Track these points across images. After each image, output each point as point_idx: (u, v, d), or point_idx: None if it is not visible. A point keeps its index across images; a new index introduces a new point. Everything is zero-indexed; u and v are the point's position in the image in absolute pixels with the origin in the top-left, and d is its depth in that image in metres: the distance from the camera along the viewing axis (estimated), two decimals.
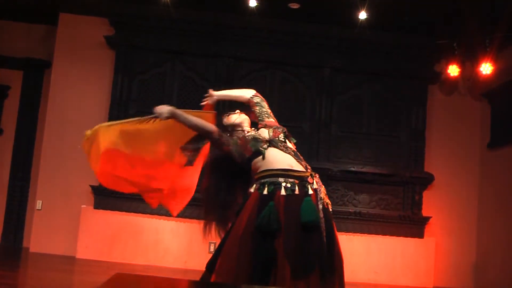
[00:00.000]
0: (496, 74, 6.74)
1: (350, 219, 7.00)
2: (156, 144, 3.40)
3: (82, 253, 6.72)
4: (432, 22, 6.70)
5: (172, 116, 3.24)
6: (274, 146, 2.97)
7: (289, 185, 2.78)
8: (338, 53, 7.24)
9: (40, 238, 6.92)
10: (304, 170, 2.89)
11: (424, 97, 7.27)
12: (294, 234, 2.66)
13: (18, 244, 7.40)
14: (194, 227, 6.71)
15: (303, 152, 7.42)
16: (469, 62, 7.09)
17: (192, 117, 3.23)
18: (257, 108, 3.30)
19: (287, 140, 3.05)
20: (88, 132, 3.71)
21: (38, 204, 7.00)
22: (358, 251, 6.92)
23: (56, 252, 6.85)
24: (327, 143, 7.13)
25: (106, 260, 6.63)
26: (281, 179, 2.80)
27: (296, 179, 2.81)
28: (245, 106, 3.47)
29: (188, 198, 3.54)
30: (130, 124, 3.56)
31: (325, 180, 7.03)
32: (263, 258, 2.62)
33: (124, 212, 6.84)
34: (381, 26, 6.79)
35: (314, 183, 2.85)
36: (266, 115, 3.25)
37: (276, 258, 2.61)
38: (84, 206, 6.89)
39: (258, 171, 2.92)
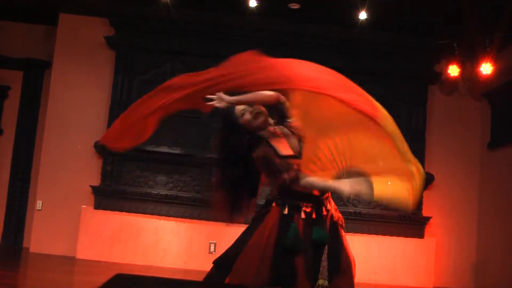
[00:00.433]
0: (496, 74, 6.73)
1: (350, 219, 6.99)
2: None
3: (82, 254, 6.72)
4: (432, 22, 6.70)
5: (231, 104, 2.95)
6: None
7: (308, 209, 2.81)
8: (338, 53, 7.24)
9: (40, 239, 6.92)
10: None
11: (424, 97, 7.27)
12: (311, 253, 2.76)
13: (18, 244, 7.40)
14: (194, 227, 6.72)
15: None
16: (469, 62, 7.09)
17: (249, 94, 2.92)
18: (287, 104, 2.98)
19: None
20: None
21: (38, 204, 7.01)
22: (358, 251, 6.89)
23: (56, 252, 6.86)
24: None
25: (106, 260, 6.63)
26: (301, 203, 2.81)
27: (314, 202, 2.84)
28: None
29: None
30: None
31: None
32: (283, 270, 2.69)
33: (124, 213, 6.84)
34: (381, 26, 6.79)
35: (328, 204, 2.90)
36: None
37: (295, 273, 2.68)
38: (84, 206, 6.89)
39: (280, 184, 2.82)
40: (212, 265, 2.80)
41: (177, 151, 6.94)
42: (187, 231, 6.80)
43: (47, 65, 7.53)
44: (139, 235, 6.81)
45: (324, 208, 2.87)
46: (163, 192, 6.95)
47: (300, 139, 2.84)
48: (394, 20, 6.76)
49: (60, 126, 7.13)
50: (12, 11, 7.39)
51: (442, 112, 7.38)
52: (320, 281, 2.73)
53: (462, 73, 7.03)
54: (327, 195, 2.90)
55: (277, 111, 2.96)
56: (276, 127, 2.94)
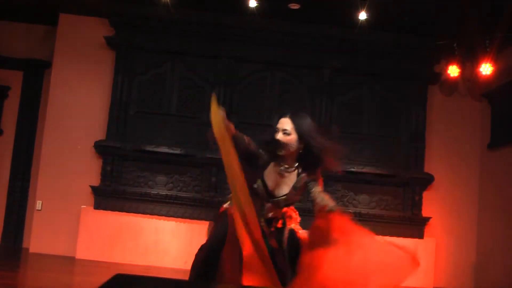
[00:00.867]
0: (496, 74, 6.73)
1: None
2: None
3: (82, 254, 6.72)
4: (432, 22, 6.70)
5: None
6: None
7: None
8: (338, 54, 7.24)
9: (40, 239, 6.92)
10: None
11: (424, 98, 7.27)
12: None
13: (18, 244, 7.40)
14: (194, 227, 6.71)
15: None
16: (469, 63, 7.09)
17: None
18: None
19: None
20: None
21: (38, 204, 7.00)
22: None
23: (56, 252, 6.85)
24: None
25: (106, 260, 6.63)
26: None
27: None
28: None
29: None
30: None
31: (325, 180, 7.01)
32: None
33: (124, 213, 6.84)
34: (381, 26, 6.79)
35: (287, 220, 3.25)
36: None
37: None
38: (84, 206, 6.88)
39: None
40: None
41: (177, 151, 6.94)
42: (187, 231, 6.80)
43: (47, 65, 7.53)
44: (139, 235, 6.81)
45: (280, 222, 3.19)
46: (163, 192, 6.95)
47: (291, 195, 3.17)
48: (394, 20, 6.76)
49: (60, 126, 7.12)
50: (12, 11, 7.39)
51: (442, 112, 7.38)
52: None
53: (462, 73, 7.03)
54: (288, 213, 3.25)
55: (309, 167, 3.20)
56: (287, 169, 3.16)
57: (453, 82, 7.25)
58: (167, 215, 6.91)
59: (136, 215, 6.85)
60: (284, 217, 3.20)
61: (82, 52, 7.24)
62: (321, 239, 2.83)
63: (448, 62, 7.00)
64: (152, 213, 6.90)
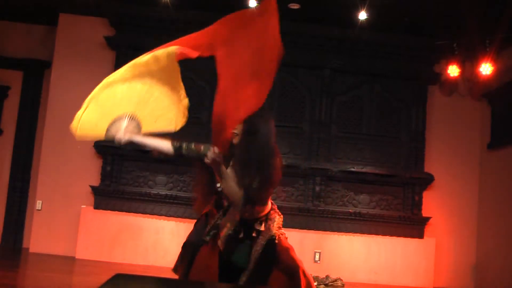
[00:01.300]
0: (496, 74, 6.73)
1: (350, 220, 7.00)
2: None
3: (81, 254, 6.72)
4: (432, 22, 6.70)
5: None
6: None
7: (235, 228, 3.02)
8: (338, 54, 7.24)
9: (40, 239, 6.92)
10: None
11: (424, 98, 7.27)
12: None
13: (18, 244, 7.40)
14: None
15: (302, 152, 7.42)
16: (469, 63, 7.09)
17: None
18: None
19: None
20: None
21: (38, 204, 7.00)
22: (358, 251, 6.92)
23: (56, 252, 6.86)
24: (327, 144, 7.13)
25: (106, 260, 6.63)
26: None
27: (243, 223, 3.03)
28: None
29: None
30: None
31: (324, 180, 7.04)
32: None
33: (124, 213, 6.84)
34: (381, 26, 6.79)
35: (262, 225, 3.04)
36: None
37: None
38: (84, 206, 6.89)
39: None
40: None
41: None
42: (186, 231, 6.73)
43: (47, 65, 7.54)
44: (139, 235, 6.81)
45: (254, 231, 2.99)
46: (163, 192, 6.95)
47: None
48: (394, 20, 6.75)
49: (60, 126, 7.11)
50: (12, 11, 7.39)
51: (442, 112, 7.38)
52: None
53: (462, 73, 7.03)
54: (267, 216, 3.03)
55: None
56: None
57: (453, 82, 7.25)
58: (167, 215, 6.91)
59: (136, 215, 6.85)
60: (267, 219, 3.03)
61: (82, 52, 7.24)
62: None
63: (448, 62, 7.00)
64: (152, 213, 6.90)
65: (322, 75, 7.23)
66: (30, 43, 7.67)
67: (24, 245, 7.33)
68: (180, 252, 3.10)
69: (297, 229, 6.78)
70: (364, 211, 7.04)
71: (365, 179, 7.10)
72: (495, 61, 6.65)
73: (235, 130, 2.97)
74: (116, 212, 6.85)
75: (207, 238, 3.01)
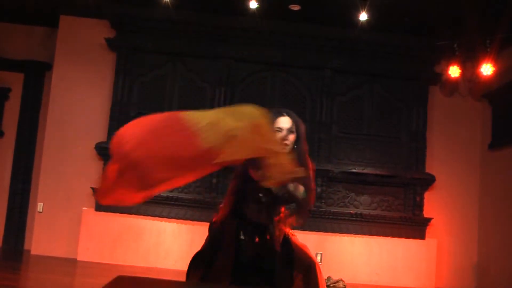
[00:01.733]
0: (497, 75, 6.73)
1: (351, 221, 7.00)
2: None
3: (83, 255, 6.72)
4: (433, 23, 6.70)
5: None
6: None
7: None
8: (339, 54, 7.24)
9: (41, 241, 6.92)
10: None
11: (425, 98, 7.26)
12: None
13: (19, 246, 7.40)
14: (195, 229, 6.71)
15: None
16: (469, 63, 7.08)
17: None
18: None
19: None
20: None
21: (39, 206, 7.00)
22: (360, 252, 6.91)
23: (57, 254, 6.86)
24: (327, 144, 7.13)
25: (107, 262, 6.63)
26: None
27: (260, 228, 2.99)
28: None
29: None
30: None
31: (325, 181, 7.04)
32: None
33: (125, 214, 6.84)
34: (382, 27, 6.79)
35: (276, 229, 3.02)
36: None
37: None
38: (85, 208, 6.89)
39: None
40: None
41: None
42: (188, 232, 6.80)
43: (48, 67, 7.54)
44: (140, 237, 6.81)
45: (268, 234, 2.97)
46: (164, 194, 6.95)
47: None
48: (394, 21, 6.75)
49: (61, 128, 7.13)
50: (12, 13, 7.40)
51: (443, 113, 7.38)
52: None
53: (462, 74, 7.02)
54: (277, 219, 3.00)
55: None
56: None
57: (454, 83, 7.25)
58: (168, 216, 6.91)
59: (137, 217, 6.85)
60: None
61: (83, 54, 7.24)
62: None
63: (449, 63, 6.99)
64: (153, 214, 6.90)
65: (322, 75, 7.23)
66: (31, 45, 7.68)
67: (26, 247, 7.33)
68: (195, 261, 3.04)
69: (298, 231, 6.74)
70: (365, 212, 7.03)
71: (366, 180, 7.09)
72: (495, 61, 6.65)
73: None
74: (118, 214, 6.85)
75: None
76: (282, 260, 2.95)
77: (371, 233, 6.99)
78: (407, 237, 6.97)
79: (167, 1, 6.38)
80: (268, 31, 7.10)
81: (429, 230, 7.08)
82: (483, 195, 7.23)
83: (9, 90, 7.65)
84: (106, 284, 2.05)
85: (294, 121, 2.94)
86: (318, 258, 6.83)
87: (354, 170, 7.03)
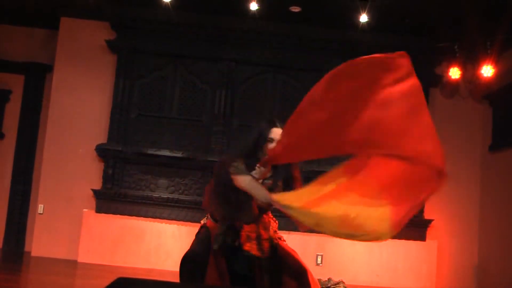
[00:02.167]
0: (498, 76, 6.73)
1: None
2: None
3: (84, 257, 6.72)
4: (433, 24, 6.70)
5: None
6: None
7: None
8: (339, 56, 7.19)
9: (42, 242, 6.92)
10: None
11: (425, 100, 7.24)
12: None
13: (20, 248, 7.40)
14: (196, 230, 6.70)
15: None
16: (470, 65, 7.08)
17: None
18: None
19: None
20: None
21: (40, 208, 7.00)
22: (360, 254, 6.91)
23: (58, 256, 6.86)
24: None
25: (108, 264, 6.63)
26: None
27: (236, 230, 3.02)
28: None
29: None
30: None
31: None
32: None
33: (126, 216, 6.84)
34: (382, 28, 6.79)
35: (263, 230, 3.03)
36: None
37: None
38: (86, 210, 6.89)
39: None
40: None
41: (178, 154, 6.93)
42: (188, 234, 6.79)
43: (49, 68, 7.54)
44: (141, 238, 6.81)
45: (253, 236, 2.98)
46: (165, 195, 6.95)
47: None
48: (394, 22, 6.76)
49: (61, 129, 7.13)
50: (13, 15, 7.40)
51: (443, 114, 7.37)
52: None
53: (463, 75, 7.03)
54: (263, 220, 3.03)
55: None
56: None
57: (454, 84, 7.25)
58: (169, 218, 6.91)
59: (137, 219, 6.85)
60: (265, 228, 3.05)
61: (83, 56, 7.25)
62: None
63: (449, 64, 7.00)
64: (153, 216, 6.90)
65: (323, 77, 7.21)
66: (32, 47, 7.68)
67: (26, 249, 7.33)
68: (186, 268, 2.98)
69: (298, 232, 6.77)
70: None
71: None
72: (496, 62, 6.65)
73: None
74: (118, 215, 6.85)
75: (216, 246, 2.96)
76: (269, 267, 2.94)
77: None
78: (408, 238, 6.97)
79: (168, 3, 6.39)
80: (268, 33, 7.10)
81: (429, 232, 7.08)
82: (483, 196, 7.23)
83: (9, 92, 7.65)
84: (107, 285, 2.06)
85: None
86: (319, 259, 6.83)
87: None
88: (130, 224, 6.82)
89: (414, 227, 7.01)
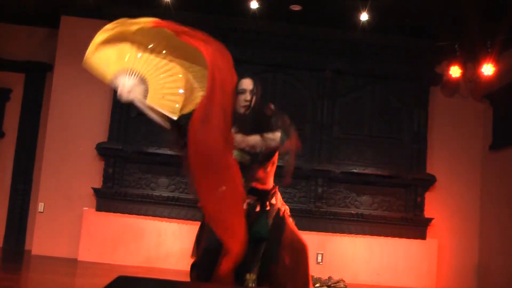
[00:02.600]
0: (498, 75, 6.73)
1: (352, 221, 7.00)
2: None
3: (84, 256, 6.72)
4: (434, 23, 6.70)
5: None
6: None
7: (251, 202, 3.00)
8: (340, 56, 7.24)
9: (42, 241, 6.93)
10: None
11: (426, 99, 7.26)
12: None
13: (20, 247, 7.40)
14: (196, 229, 6.70)
15: (304, 154, 7.40)
16: (471, 64, 7.09)
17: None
18: None
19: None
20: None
21: (40, 206, 7.01)
22: (361, 252, 6.91)
23: (58, 254, 6.86)
24: (329, 145, 7.13)
25: (108, 262, 6.63)
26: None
27: (258, 196, 3.04)
28: None
29: None
30: None
31: (327, 182, 7.03)
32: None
33: (126, 214, 6.85)
34: (383, 28, 6.79)
35: (274, 198, 3.10)
36: None
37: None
38: (86, 208, 6.89)
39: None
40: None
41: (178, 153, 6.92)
42: (189, 232, 6.79)
43: (49, 67, 7.55)
44: (141, 237, 6.81)
45: (268, 203, 3.03)
46: (165, 194, 6.96)
47: None
48: (395, 22, 6.76)
49: (62, 128, 7.13)
50: (13, 13, 7.41)
51: (444, 113, 7.37)
52: (248, 276, 2.83)
53: (463, 74, 7.03)
54: (274, 190, 3.10)
55: None
56: None
57: (455, 83, 7.25)
58: (169, 216, 6.92)
59: (138, 217, 6.85)
60: (274, 193, 3.10)
61: (84, 54, 7.19)
62: None
63: (450, 63, 7.00)
64: (154, 215, 6.90)
65: (323, 77, 7.23)
66: (32, 46, 7.69)
67: (27, 247, 7.33)
68: (200, 260, 2.97)
69: (299, 231, 6.76)
70: (366, 212, 7.03)
71: (367, 181, 7.09)
72: (496, 62, 6.65)
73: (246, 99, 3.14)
74: (118, 214, 6.85)
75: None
76: (271, 235, 2.96)
77: (372, 234, 6.99)
78: (408, 237, 6.97)
79: (168, 2, 6.39)
80: (268, 32, 7.10)
81: (430, 231, 7.08)
82: (484, 195, 7.23)
83: (10, 91, 7.66)
84: (108, 284, 2.06)
85: (255, 84, 3.23)
86: (319, 258, 6.83)
87: (355, 171, 7.03)
88: (131, 222, 6.82)
89: (415, 226, 7.02)
